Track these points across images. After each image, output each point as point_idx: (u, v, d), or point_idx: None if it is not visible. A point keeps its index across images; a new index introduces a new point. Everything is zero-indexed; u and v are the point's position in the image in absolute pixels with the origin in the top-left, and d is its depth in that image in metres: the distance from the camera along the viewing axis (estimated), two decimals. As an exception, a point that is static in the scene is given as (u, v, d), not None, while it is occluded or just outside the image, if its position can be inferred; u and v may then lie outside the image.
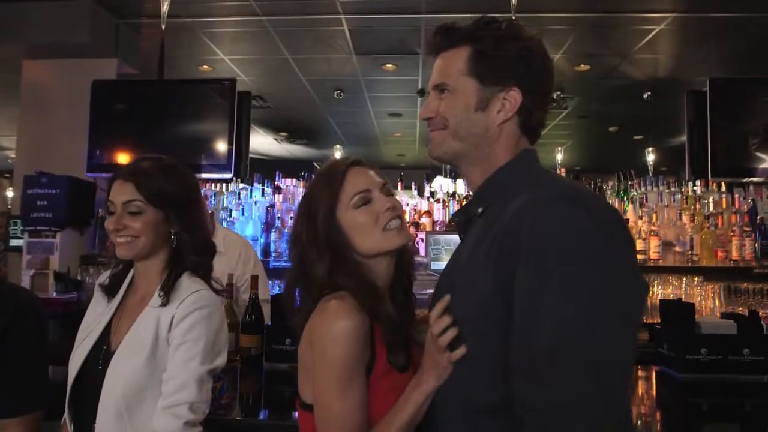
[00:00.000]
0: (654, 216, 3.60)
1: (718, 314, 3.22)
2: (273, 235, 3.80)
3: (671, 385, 1.98)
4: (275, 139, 7.98)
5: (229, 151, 3.58)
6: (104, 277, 1.43)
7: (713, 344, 1.90)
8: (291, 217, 3.62)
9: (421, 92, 5.65)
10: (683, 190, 3.77)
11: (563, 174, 4.10)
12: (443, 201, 4.05)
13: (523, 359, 0.83)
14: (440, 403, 1.00)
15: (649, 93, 5.51)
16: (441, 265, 3.54)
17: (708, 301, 3.49)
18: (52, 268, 3.42)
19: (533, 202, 0.89)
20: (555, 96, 5.35)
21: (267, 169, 4.40)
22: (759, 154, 3.53)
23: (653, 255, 3.50)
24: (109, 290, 1.39)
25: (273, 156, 8.89)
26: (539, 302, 0.82)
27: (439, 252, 3.67)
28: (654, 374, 2.09)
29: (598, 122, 6.85)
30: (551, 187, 0.95)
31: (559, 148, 6.73)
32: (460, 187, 4.24)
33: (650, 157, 6.23)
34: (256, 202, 3.99)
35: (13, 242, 3.97)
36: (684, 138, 3.78)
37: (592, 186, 3.90)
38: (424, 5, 3.98)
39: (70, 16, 3.90)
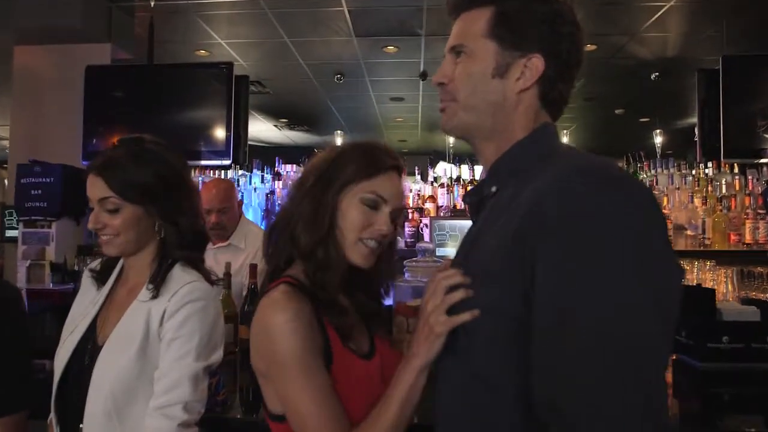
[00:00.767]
0: (665, 199, 3.51)
1: (731, 298, 3.13)
2: (273, 223, 3.72)
3: (690, 374, 1.89)
4: (275, 126, 7.88)
5: (227, 137, 3.51)
6: (96, 263, 1.34)
7: (735, 332, 1.81)
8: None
9: (423, 75, 5.53)
10: (694, 172, 3.67)
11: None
12: (447, 186, 3.96)
13: (549, 357, 0.74)
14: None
15: (657, 74, 5.38)
16: (446, 251, 3.46)
17: (720, 286, 3.40)
18: (48, 258, 3.34)
19: (557, 181, 0.79)
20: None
21: (267, 157, 4.32)
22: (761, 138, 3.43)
23: (664, 239, 3.42)
24: (100, 277, 1.30)
25: (273, 143, 8.79)
26: (568, 296, 0.72)
27: (444, 238, 3.59)
28: (671, 363, 2.01)
29: (604, 104, 6.71)
30: (577, 162, 0.84)
31: (565, 131, 6.61)
32: (465, 171, 4.15)
33: (658, 140, 6.11)
34: (255, 189, 3.92)
35: (9, 233, 3.91)
36: (691, 120, 3.69)
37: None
38: (425, -16, 3.87)
39: (61, -1, 3.80)
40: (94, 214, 1.22)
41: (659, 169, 3.79)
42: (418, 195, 3.99)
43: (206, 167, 3.74)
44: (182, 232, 1.24)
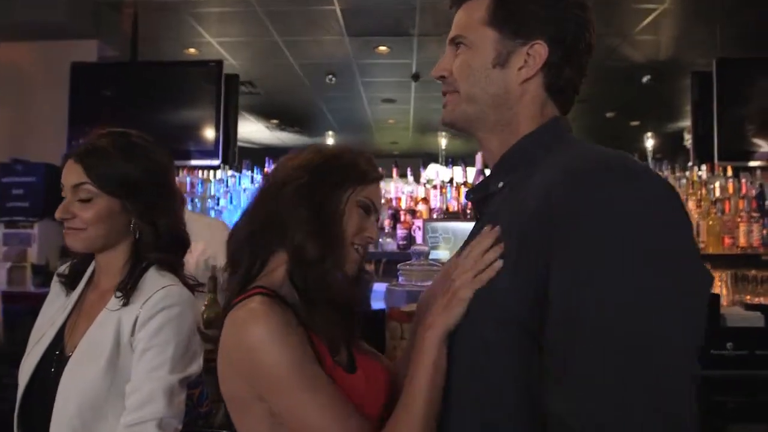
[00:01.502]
0: (659, 202, 3.49)
1: (725, 303, 3.11)
2: (263, 225, 3.65)
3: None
4: (266, 127, 7.80)
5: (217, 137, 3.46)
6: (64, 267, 1.25)
7: (739, 338, 1.77)
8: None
9: (416, 77, 5.49)
10: (688, 174, 3.65)
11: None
12: (440, 187, 3.91)
13: (564, 369, 0.68)
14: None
15: (649, 76, 5.38)
16: (439, 254, 3.40)
17: (715, 290, 3.38)
18: (30, 260, 3.25)
19: (568, 176, 0.74)
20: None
21: (257, 158, 4.25)
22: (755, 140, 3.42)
23: (659, 242, 3.39)
24: (69, 281, 1.21)
25: (263, 144, 8.70)
26: (587, 303, 0.67)
27: (437, 240, 3.53)
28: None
29: (595, 107, 6.71)
30: (591, 155, 0.79)
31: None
32: (457, 174, 4.10)
33: (649, 143, 6.11)
34: (245, 190, 3.85)
35: (-10, 234, 3.80)
36: (682, 123, 3.67)
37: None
38: (419, -17, 3.82)
39: (45, -6, 3.70)
40: (65, 202, 1.13)
41: (653, 172, 3.77)
42: (411, 197, 3.94)
43: (195, 167, 3.67)
44: (160, 234, 1.16)
